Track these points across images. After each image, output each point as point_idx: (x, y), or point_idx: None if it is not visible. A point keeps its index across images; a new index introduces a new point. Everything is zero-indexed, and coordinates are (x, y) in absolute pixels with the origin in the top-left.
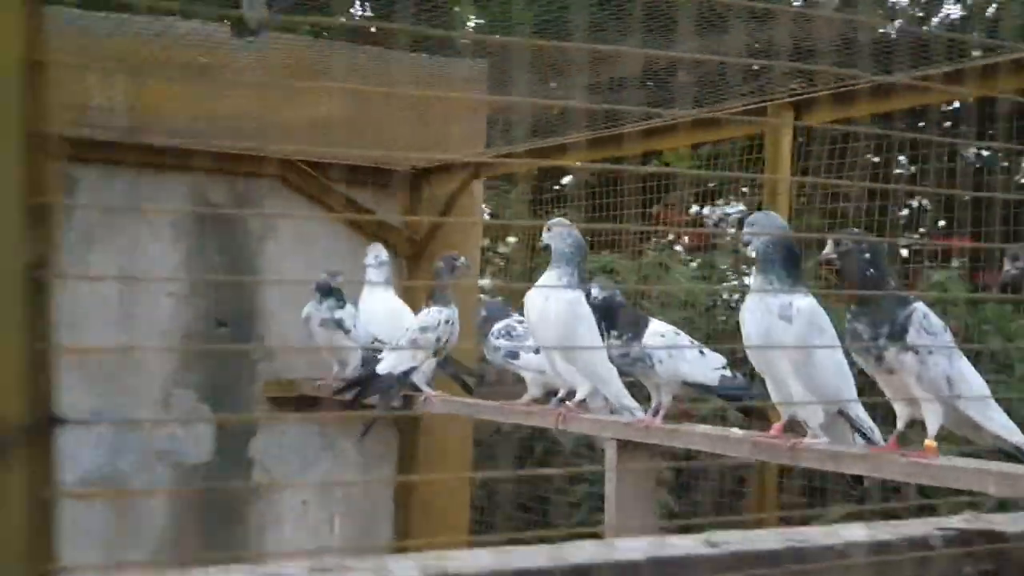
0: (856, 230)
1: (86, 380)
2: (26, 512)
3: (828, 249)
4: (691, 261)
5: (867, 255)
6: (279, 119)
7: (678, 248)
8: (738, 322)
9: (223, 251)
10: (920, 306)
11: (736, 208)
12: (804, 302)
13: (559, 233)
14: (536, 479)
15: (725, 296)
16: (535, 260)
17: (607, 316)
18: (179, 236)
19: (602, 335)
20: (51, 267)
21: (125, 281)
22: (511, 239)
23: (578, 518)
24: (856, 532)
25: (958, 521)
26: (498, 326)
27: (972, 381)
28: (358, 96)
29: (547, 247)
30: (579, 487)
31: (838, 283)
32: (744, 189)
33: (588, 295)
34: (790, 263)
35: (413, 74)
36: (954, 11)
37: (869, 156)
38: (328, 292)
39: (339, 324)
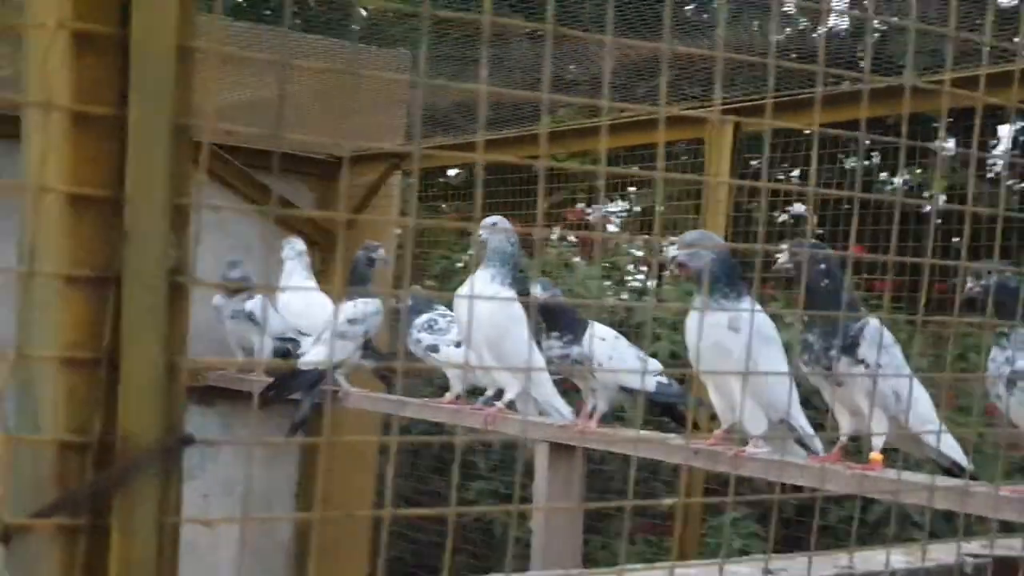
0: (814, 240)
1: None
2: (155, 543)
3: (783, 260)
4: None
5: (823, 266)
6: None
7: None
8: (639, 323)
9: None
10: (873, 320)
11: (620, 207)
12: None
13: (497, 231)
14: (431, 473)
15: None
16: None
17: (548, 317)
18: None
19: (541, 336)
20: (189, 273)
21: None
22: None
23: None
24: (895, 559)
25: (980, 547)
26: (421, 319)
27: (919, 396)
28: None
29: (483, 244)
30: (474, 484)
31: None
32: (631, 188)
33: (526, 294)
34: (731, 276)
35: (333, 61)
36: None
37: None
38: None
39: (250, 316)
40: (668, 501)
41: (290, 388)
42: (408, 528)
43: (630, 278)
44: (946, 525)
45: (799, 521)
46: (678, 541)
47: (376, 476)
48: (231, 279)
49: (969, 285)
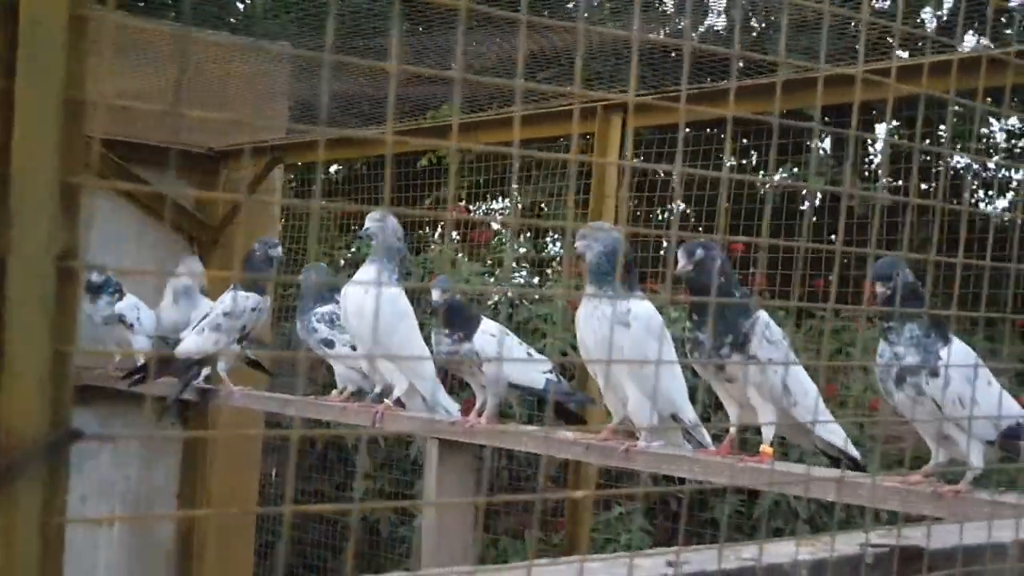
0: (712, 241)
1: None
2: (38, 546)
3: (683, 263)
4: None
5: (720, 265)
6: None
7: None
8: (525, 319)
9: None
10: (762, 315)
11: (502, 206)
12: (641, 307)
13: (389, 225)
14: (314, 472)
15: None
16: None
17: (449, 320)
18: None
19: (431, 332)
20: (80, 257)
21: None
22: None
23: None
24: (790, 549)
25: (880, 537)
26: (322, 309)
27: (808, 388)
28: (156, 73)
29: (370, 236)
30: (360, 483)
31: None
32: (514, 186)
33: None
34: (624, 270)
35: (216, 53)
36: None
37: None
38: (100, 289)
39: (121, 319)
40: (579, 493)
41: (157, 374)
42: (292, 528)
43: (515, 275)
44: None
45: (685, 515)
46: (568, 538)
47: (260, 475)
48: (93, 283)
49: (880, 290)
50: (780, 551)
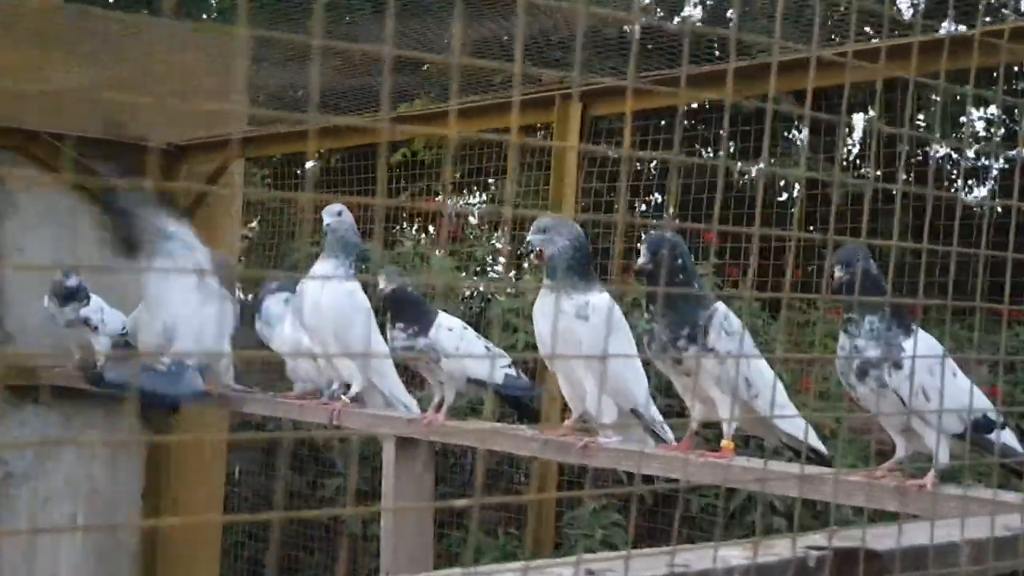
0: (669, 233)
1: None
2: None
3: (643, 260)
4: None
5: (679, 260)
6: (22, 87)
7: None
8: (496, 315)
9: None
10: (720, 307)
11: (479, 200)
12: (599, 299)
13: (348, 220)
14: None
15: (482, 288)
16: (280, 247)
17: (394, 307)
18: None
19: (385, 327)
20: None
21: None
22: (253, 224)
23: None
24: (733, 553)
25: (824, 538)
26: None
27: (769, 380)
28: (112, 64)
29: (328, 231)
30: (331, 481)
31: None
32: (490, 180)
33: (372, 287)
34: (583, 264)
35: (171, 42)
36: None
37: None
38: (71, 296)
39: (86, 322)
40: (525, 498)
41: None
42: (261, 528)
43: (488, 269)
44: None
45: (660, 511)
46: (532, 534)
47: (226, 475)
48: (67, 286)
49: (838, 274)
50: (720, 555)
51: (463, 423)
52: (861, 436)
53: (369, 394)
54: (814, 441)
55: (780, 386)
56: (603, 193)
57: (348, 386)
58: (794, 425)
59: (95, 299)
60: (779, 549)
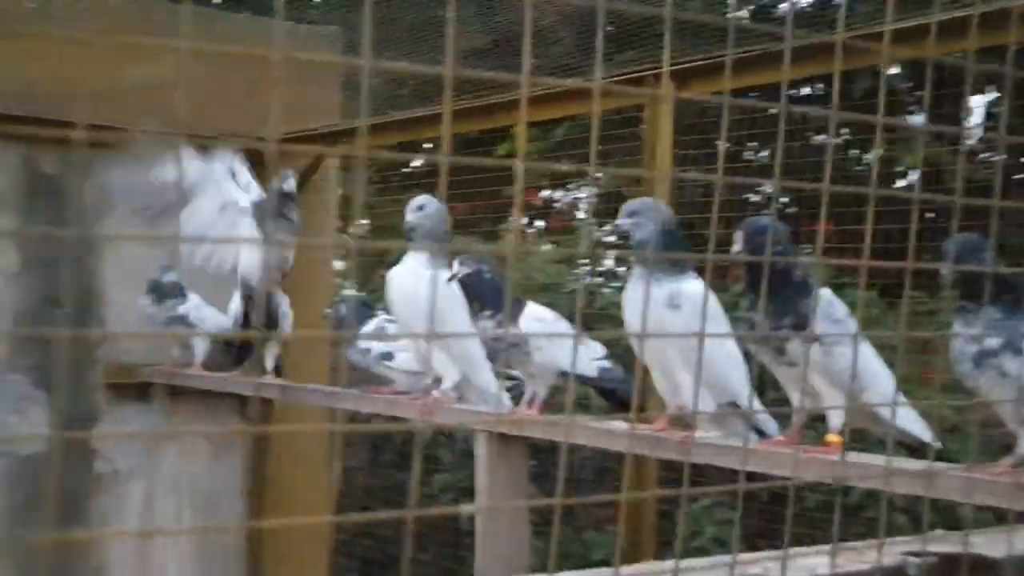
0: (768, 218)
1: None
2: None
3: (737, 246)
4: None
5: (778, 245)
6: (116, 86)
7: (532, 230)
8: (603, 306)
9: (57, 225)
10: (825, 293)
11: (589, 192)
12: (692, 287)
13: (426, 212)
14: (392, 468)
15: (587, 280)
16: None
17: (477, 296)
18: (7, 210)
19: (473, 317)
20: None
21: None
22: (363, 222)
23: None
24: (816, 562)
25: (933, 544)
26: (368, 327)
27: (878, 372)
28: (201, 63)
29: (412, 228)
30: (438, 477)
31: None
32: (598, 175)
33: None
34: (674, 249)
35: (259, 40)
36: None
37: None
38: (163, 291)
39: (184, 320)
40: (609, 497)
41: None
42: (372, 525)
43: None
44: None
45: (773, 508)
46: (623, 533)
47: (331, 471)
48: (165, 283)
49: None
50: (806, 563)
51: (557, 417)
52: (987, 430)
53: (463, 388)
54: (928, 435)
55: (888, 375)
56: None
57: (440, 380)
58: (907, 418)
59: (193, 297)
60: (870, 556)
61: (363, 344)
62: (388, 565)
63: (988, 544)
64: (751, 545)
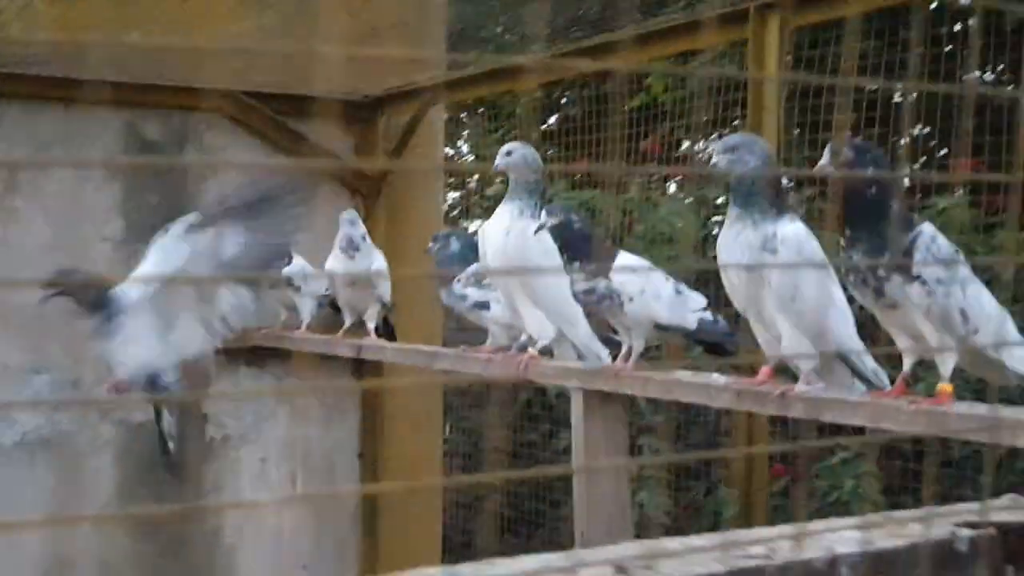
0: (860, 140)
1: (19, 335)
2: None
3: (824, 160)
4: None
5: (870, 168)
6: (216, 47)
7: (670, 185)
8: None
9: (161, 192)
10: (927, 228)
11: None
12: (789, 229)
13: (519, 158)
14: (521, 427)
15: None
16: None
17: (567, 247)
18: (112, 176)
19: (565, 269)
20: None
21: (54, 226)
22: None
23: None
24: (838, 538)
25: (997, 511)
26: (468, 271)
27: (991, 313)
28: (298, 19)
29: (500, 175)
30: (567, 432)
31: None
32: (736, 122)
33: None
34: (772, 189)
35: None
36: None
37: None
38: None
39: (289, 283)
40: (717, 453)
41: None
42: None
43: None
44: None
45: (916, 462)
46: (742, 493)
47: (443, 433)
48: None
49: None
50: (825, 542)
51: (652, 373)
52: None
53: (559, 345)
54: None
55: (1008, 317)
56: (817, 125)
57: (535, 337)
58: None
59: (298, 259)
60: (914, 529)
61: (459, 289)
62: (523, 520)
63: None
64: (894, 502)
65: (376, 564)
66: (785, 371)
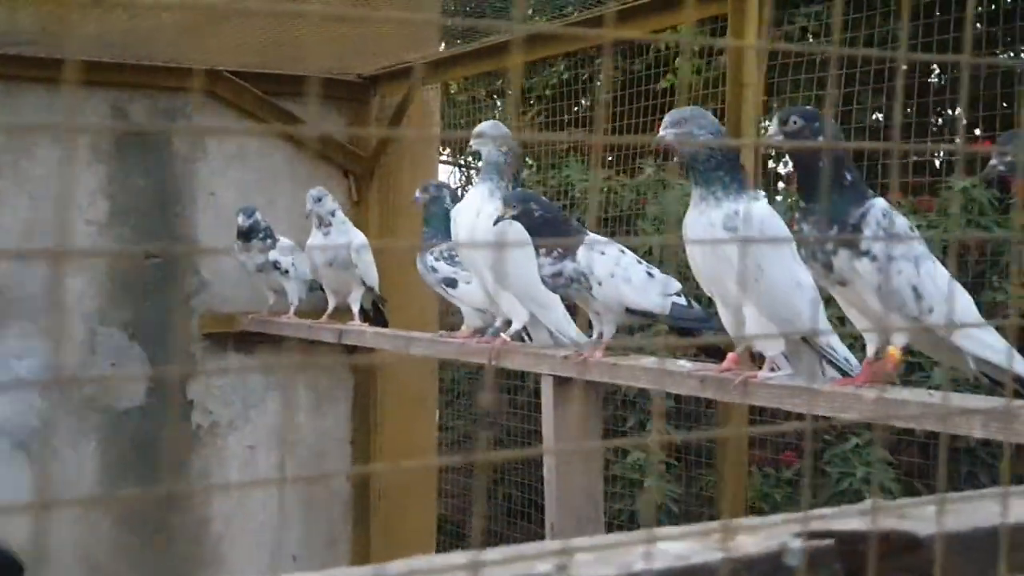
0: (808, 108)
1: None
2: None
3: (772, 130)
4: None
5: (820, 139)
6: (203, 26)
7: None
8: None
9: (147, 174)
10: (879, 202)
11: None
12: (753, 207)
13: (491, 139)
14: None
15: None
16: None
17: (531, 232)
18: (97, 158)
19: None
20: None
21: (37, 209)
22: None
23: None
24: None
25: (850, 517)
26: (441, 247)
27: (946, 290)
28: None
29: (476, 155)
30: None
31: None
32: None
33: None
34: (732, 166)
35: None
36: None
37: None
38: (252, 234)
39: (276, 266)
40: (690, 436)
41: None
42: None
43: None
44: None
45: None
46: (722, 480)
47: (437, 419)
48: (240, 227)
49: (992, 162)
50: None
51: (619, 359)
52: None
53: (534, 330)
54: (1017, 365)
55: (966, 297)
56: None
57: (510, 322)
58: (986, 345)
59: (284, 241)
60: (743, 540)
61: (431, 261)
62: (512, 512)
63: (916, 520)
64: (909, 488)
65: (368, 554)
66: (761, 357)
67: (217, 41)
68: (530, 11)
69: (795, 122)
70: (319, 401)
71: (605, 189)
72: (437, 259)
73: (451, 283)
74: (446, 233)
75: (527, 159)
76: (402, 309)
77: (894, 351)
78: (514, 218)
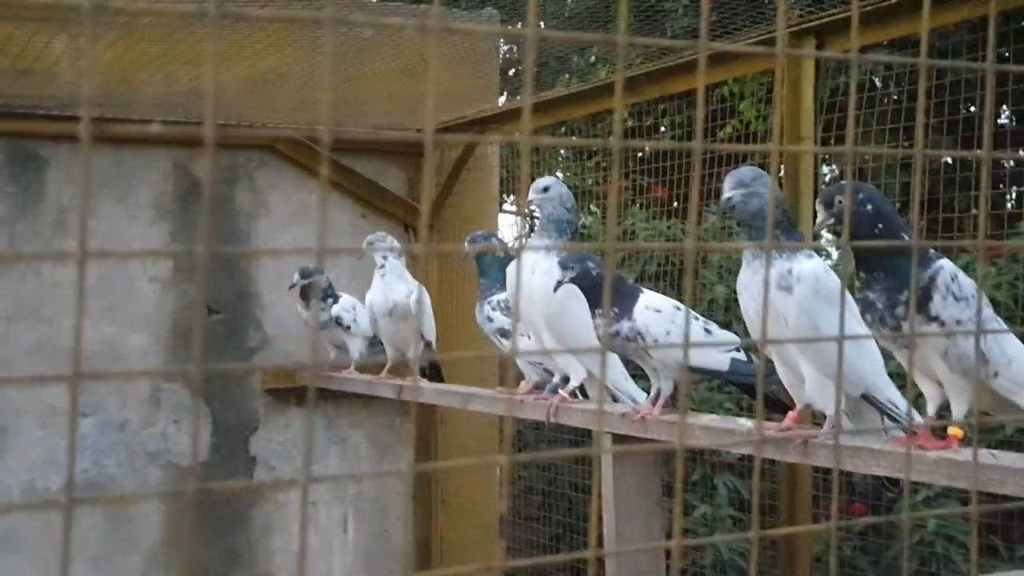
0: (856, 182)
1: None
2: None
3: (821, 218)
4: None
5: (868, 208)
6: (267, 86)
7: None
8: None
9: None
10: (946, 264)
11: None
12: (806, 266)
13: (554, 195)
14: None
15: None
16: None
17: (588, 293)
18: (161, 216)
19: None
20: None
21: (101, 265)
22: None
23: None
24: None
25: None
26: (499, 296)
27: (1014, 354)
28: (353, 55)
29: (533, 210)
30: None
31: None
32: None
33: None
34: (788, 224)
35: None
36: None
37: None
38: (310, 293)
39: (338, 322)
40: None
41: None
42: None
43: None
44: None
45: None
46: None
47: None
48: (312, 285)
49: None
50: None
51: (669, 417)
52: None
53: (592, 387)
54: None
55: None
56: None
57: (568, 379)
58: None
59: (347, 298)
60: None
61: (488, 310)
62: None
63: None
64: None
65: None
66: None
67: (279, 100)
68: (592, 59)
69: (840, 201)
70: (381, 455)
71: (669, 237)
72: (494, 309)
73: (506, 334)
74: (503, 283)
75: (591, 207)
76: (460, 365)
77: (955, 432)
78: (571, 280)
